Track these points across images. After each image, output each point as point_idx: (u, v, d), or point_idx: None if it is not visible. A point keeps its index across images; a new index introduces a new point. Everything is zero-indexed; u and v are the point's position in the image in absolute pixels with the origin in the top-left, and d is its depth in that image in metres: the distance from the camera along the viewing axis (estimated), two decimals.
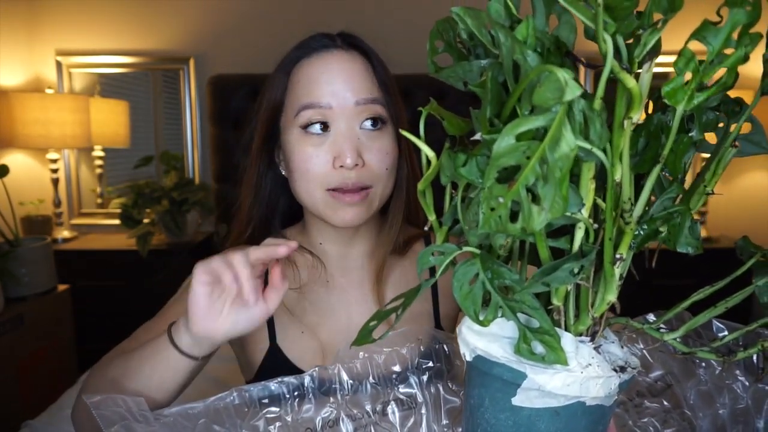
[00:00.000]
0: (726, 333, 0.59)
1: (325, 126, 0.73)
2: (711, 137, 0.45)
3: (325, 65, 0.74)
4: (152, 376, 0.63)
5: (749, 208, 2.66)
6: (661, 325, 0.60)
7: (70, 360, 2.18)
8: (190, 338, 0.61)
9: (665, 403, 0.65)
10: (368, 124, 0.74)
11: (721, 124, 0.44)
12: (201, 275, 0.58)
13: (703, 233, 2.49)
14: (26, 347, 1.91)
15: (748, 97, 0.44)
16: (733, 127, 0.43)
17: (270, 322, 0.79)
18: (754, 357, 0.64)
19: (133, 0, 2.54)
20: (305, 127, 0.73)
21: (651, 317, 0.61)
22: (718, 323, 0.62)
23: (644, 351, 0.68)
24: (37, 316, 1.96)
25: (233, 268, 0.58)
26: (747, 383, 0.64)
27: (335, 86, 0.72)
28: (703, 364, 0.66)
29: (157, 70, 2.63)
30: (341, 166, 0.71)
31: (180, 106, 2.63)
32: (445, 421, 0.59)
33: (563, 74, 0.29)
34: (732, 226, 2.64)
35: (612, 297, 0.40)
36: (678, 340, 0.47)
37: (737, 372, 0.65)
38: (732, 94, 0.44)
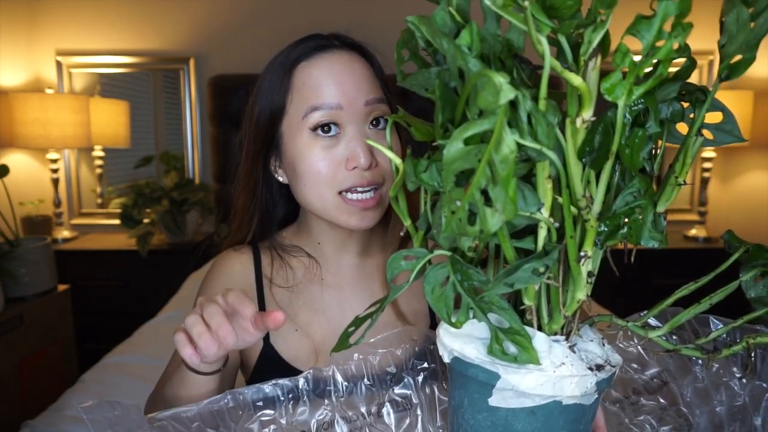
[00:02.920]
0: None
1: (334, 126, 0.72)
2: (683, 128, 0.45)
3: (331, 66, 0.73)
4: (192, 399, 0.63)
5: (749, 208, 2.65)
6: (657, 323, 0.60)
7: (70, 360, 2.18)
8: (205, 365, 0.61)
9: (661, 400, 0.65)
10: (376, 123, 0.74)
11: (692, 116, 0.44)
12: (182, 348, 0.58)
13: (703, 233, 2.49)
14: (26, 347, 1.91)
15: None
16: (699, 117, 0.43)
17: None
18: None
19: (133, 0, 2.54)
20: (315, 128, 0.72)
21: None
22: (715, 320, 0.62)
23: (639, 348, 0.68)
24: (37, 316, 1.96)
25: (206, 323, 0.57)
26: (744, 380, 0.64)
27: (344, 87, 0.72)
28: (700, 361, 0.66)
29: (157, 70, 2.63)
30: (355, 167, 0.71)
31: (180, 106, 2.64)
32: (440, 423, 0.59)
33: (498, 78, 0.30)
34: (732, 226, 2.61)
35: (582, 295, 0.40)
36: (664, 337, 0.47)
37: (734, 369, 0.65)
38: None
